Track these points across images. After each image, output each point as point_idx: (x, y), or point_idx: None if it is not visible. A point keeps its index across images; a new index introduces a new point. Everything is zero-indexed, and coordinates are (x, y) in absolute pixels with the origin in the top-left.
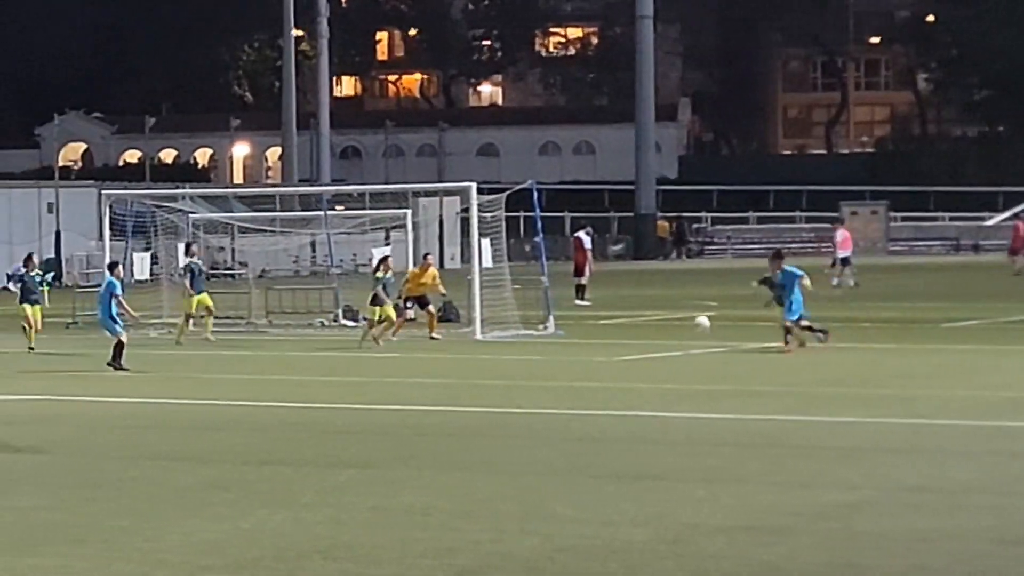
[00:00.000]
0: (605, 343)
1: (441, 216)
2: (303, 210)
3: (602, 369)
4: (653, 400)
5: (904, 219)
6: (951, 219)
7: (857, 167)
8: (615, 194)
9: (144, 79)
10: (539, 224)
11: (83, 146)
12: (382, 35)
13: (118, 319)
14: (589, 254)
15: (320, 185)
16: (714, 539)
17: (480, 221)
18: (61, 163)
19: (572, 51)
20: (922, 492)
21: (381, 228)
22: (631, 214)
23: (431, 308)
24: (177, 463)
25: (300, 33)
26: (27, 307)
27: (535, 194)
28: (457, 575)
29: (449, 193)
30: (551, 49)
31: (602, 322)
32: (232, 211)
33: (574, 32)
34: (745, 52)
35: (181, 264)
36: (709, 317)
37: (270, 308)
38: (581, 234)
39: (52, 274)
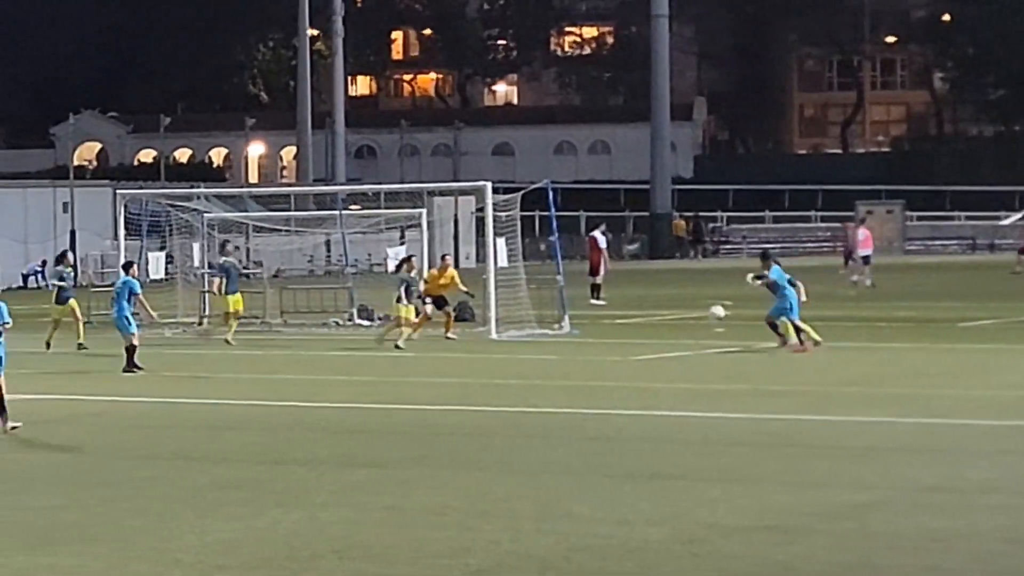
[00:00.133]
0: (620, 342)
1: (456, 215)
2: (318, 209)
3: (617, 368)
4: (668, 399)
5: (920, 218)
6: (967, 218)
7: (873, 166)
8: (630, 193)
9: (159, 79)
10: (554, 223)
11: (98, 146)
12: (397, 34)
13: (132, 319)
14: (604, 253)
15: (335, 184)
16: (730, 539)
17: (495, 220)
18: (76, 163)
19: (587, 50)
20: (937, 492)
21: (396, 227)
22: (646, 213)
23: (448, 309)
24: (192, 463)
25: (315, 32)
26: (60, 307)
27: (550, 193)
28: (472, 575)
29: (464, 192)
30: (566, 48)
31: (617, 321)
32: (247, 210)
33: (589, 31)
34: (761, 51)
35: (217, 262)
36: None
37: (285, 308)
38: (596, 233)
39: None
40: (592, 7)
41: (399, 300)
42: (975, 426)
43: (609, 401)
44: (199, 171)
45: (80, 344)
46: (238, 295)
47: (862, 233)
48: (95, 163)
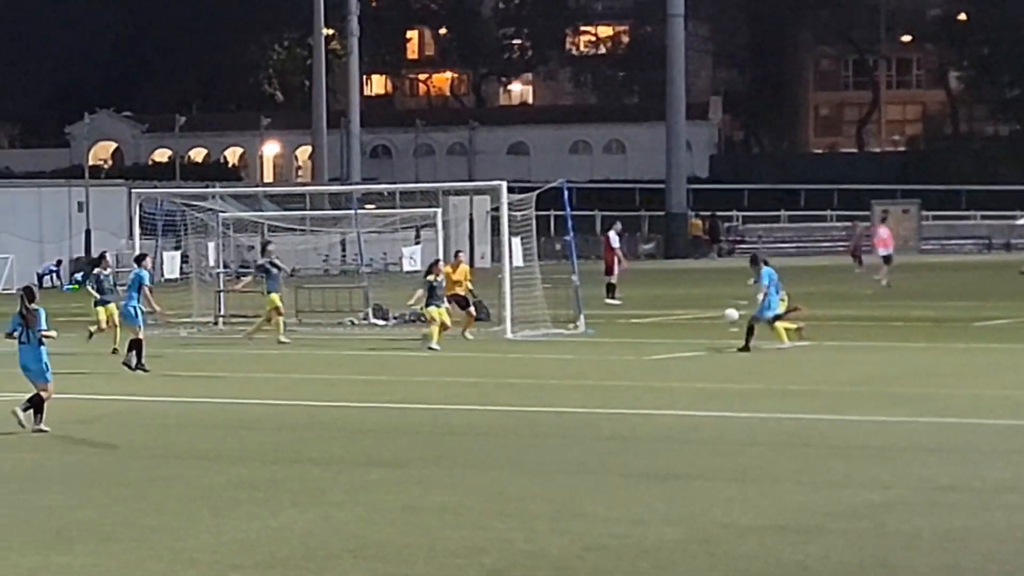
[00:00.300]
0: (635, 342)
1: (471, 215)
2: (333, 209)
3: (632, 368)
4: (684, 399)
5: (936, 218)
6: (983, 218)
7: (889, 166)
8: (646, 193)
9: (174, 78)
10: (569, 223)
11: (113, 145)
12: (412, 34)
13: (140, 312)
14: (618, 253)
15: (350, 184)
16: (745, 538)
17: (510, 220)
18: (91, 162)
19: (603, 50)
20: (953, 491)
21: (411, 227)
22: (662, 213)
23: (471, 309)
24: (207, 462)
25: (330, 32)
26: (101, 310)
27: (566, 193)
28: (488, 574)
29: (479, 192)
30: (582, 48)
31: (633, 321)
32: (262, 210)
33: (605, 31)
34: (776, 51)
35: (258, 262)
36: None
37: (300, 307)
38: (611, 233)
39: (82, 273)
40: (607, 6)
41: (428, 304)
42: (991, 425)
43: (624, 401)
44: (214, 171)
45: (115, 349)
46: (276, 295)
47: (884, 232)
48: (110, 163)
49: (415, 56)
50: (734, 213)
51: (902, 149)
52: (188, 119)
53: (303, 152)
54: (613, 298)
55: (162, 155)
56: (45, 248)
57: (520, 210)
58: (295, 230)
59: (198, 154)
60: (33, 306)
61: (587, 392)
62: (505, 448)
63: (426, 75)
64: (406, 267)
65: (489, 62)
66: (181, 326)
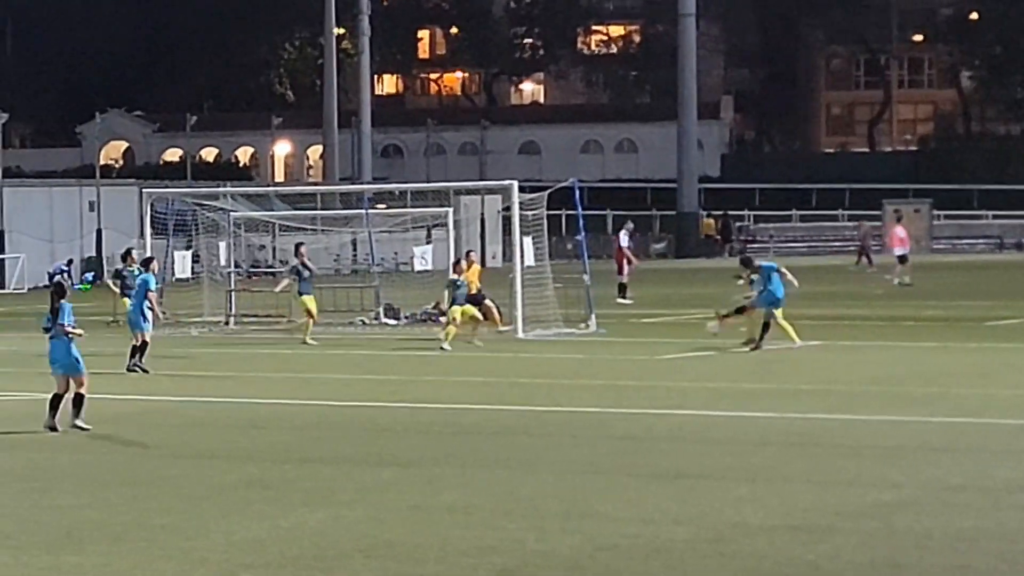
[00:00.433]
0: (647, 341)
1: (483, 214)
2: (344, 208)
3: (644, 368)
4: (695, 399)
5: (947, 217)
6: (994, 217)
7: (900, 165)
8: (657, 192)
9: (185, 77)
10: (581, 222)
11: (124, 144)
12: (424, 33)
13: (147, 316)
14: (627, 253)
15: (361, 183)
16: (756, 538)
17: (522, 219)
18: (102, 161)
19: (614, 49)
20: (965, 491)
21: (422, 226)
22: (673, 212)
23: (488, 303)
24: (217, 461)
25: (341, 31)
26: (126, 300)
27: (577, 192)
28: (498, 574)
29: (491, 191)
30: (593, 47)
31: (644, 320)
32: (273, 209)
33: (616, 30)
34: (788, 50)
35: (290, 264)
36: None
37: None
38: (620, 232)
39: (93, 273)
40: (619, 6)
41: (452, 303)
42: (1002, 425)
43: (635, 400)
44: (225, 170)
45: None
46: (310, 296)
47: (900, 231)
48: (121, 162)
49: (426, 55)
50: (745, 212)
51: (914, 148)
52: (199, 119)
53: (314, 152)
54: (624, 297)
55: (173, 154)
56: (56, 248)
57: (531, 209)
58: (306, 230)
59: (209, 153)
60: (63, 302)
61: (598, 392)
62: (516, 448)
63: (437, 74)
64: (417, 267)
65: (500, 61)
66: (192, 326)
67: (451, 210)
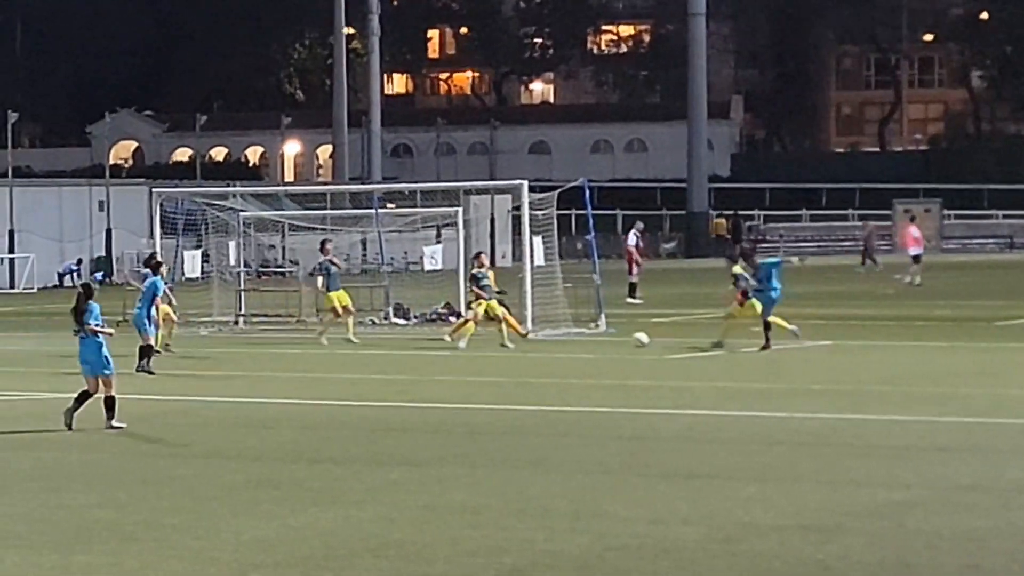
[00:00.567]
0: (656, 341)
1: (492, 214)
2: (354, 208)
3: (653, 367)
4: (704, 398)
5: (957, 217)
6: (1004, 217)
7: (910, 165)
8: (667, 192)
9: (195, 77)
10: (591, 222)
11: (134, 144)
12: (433, 33)
13: (152, 320)
14: (635, 253)
15: (371, 183)
16: (766, 538)
17: (532, 219)
18: (112, 161)
19: (624, 48)
20: (975, 491)
21: (432, 226)
22: (683, 212)
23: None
24: (227, 461)
25: (351, 31)
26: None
27: (587, 192)
28: (508, 573)
29: (500, 191)
30: (603, 47)
31: (653, 320)
32: (283, 209)
33: (626, 29)
34: (798, 49)
35: (317, 262)
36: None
37: (320, 306)
38: (629, 233)
39: (102, 272)
40: (629, 5)
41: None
42: (1012, 425)
43: (645, 400)
44: (235, 170)
45: (167, 346)
46: (341, 291)
47: (914, 231)
48: (131, 162)
49: (436, 55)
50: (755, 212)
51: (924, 148)
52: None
53: (324, 151)
54: (634, 297)
55: (183, 154)
56: (66, 247)
57: (541, 209)
58: (316, 229)
59: (219, 153)
60: (91, 303)
61: (607, 391)
62: (525, 447)
63: (447, 74)
64: (427, 266)
65: (510, 61)
66: (202, 325)
67: (461, 210)
